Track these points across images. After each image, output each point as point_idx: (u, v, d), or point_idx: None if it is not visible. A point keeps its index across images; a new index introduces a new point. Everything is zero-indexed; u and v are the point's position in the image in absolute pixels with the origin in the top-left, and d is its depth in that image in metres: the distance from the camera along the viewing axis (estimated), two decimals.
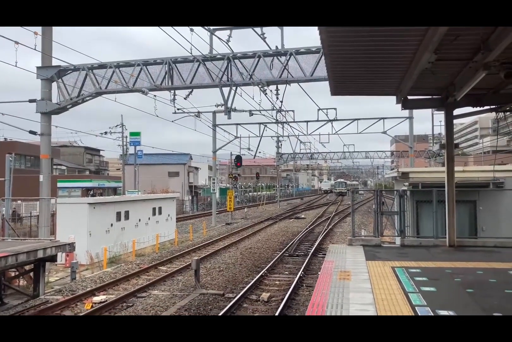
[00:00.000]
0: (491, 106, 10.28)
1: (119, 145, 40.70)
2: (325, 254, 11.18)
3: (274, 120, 28.01)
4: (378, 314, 5.28)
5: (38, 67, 18.15)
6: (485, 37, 6.60)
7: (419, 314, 5.23)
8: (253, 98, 18.38)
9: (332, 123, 32.74)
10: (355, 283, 6.93)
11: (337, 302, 5.83)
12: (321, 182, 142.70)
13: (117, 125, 40.00)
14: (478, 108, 10.29)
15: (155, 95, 18.11)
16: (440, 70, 8.29)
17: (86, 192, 44.46)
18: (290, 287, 11.96)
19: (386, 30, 6.38)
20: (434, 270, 7.80)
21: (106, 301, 11.08)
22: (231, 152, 44.86)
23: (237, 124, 34.86)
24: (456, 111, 10.54)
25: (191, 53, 15.24)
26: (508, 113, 10.58)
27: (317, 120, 31.77)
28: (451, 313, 5.27)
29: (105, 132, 39.02)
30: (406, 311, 5.38)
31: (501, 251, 9.72)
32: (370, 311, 5.43)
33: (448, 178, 10.31)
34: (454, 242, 10.26)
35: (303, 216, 37.67)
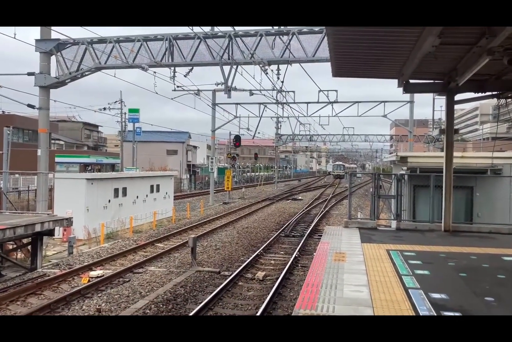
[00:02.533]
0: (493, 93, 10.22)
1: (117, 121, 40.52)
2: (321, 236, 11.27)
3: (274, 101, 27.85)
4: (372, 295, 5.38)
5: (37, 40, 17.91)
6: None
7: (412, 296, 5.33)
8: (253, 78, 18.26)
9: (332, 106, 32.56)
10: (350, 265, 7.02)
11: (332, 283, 5.92)
12: (319, 164, 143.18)
13: (116, 101, 39.73)
14: (479, 94, 10.23)
15: (154, 72, 17.94)
16: (443, 55, 8.21)
17: (84, 167, 44.46)
18: (285, 267, 12.10)
19: None
20: (429, 254, 7.90)
21: (103, 275, 11.21)
22: (230, 132, 44.79)
23: (237, 103, 34.62)
24: (458, 97, 10.49)
25: (192, 29, 15.02)
26: (509, 100, 10.54)
27: (318, 102, 31.56)
28: (443, 296, 5.36)
29: (104, 108, 38.77)
30: (399, 293, 5.47)
31: (495, 237, 9.83)
32: (364, 292, 5.52)
33: (446, 163, 10.33)
34: (449, 227, 10.35)
35: (300, 198, 37.83)
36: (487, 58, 7.36)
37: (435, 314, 4.69)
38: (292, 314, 4.84)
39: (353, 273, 6.50)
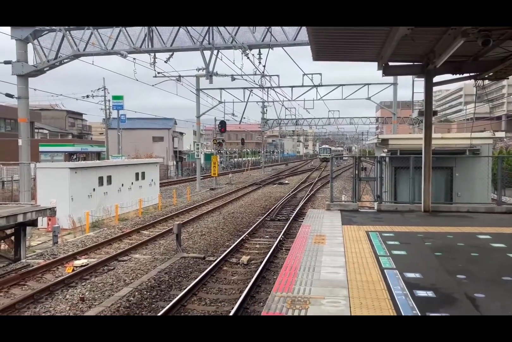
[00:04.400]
0: (470, 74, 10.30)
1: (101, 109, 40.03)
2: None
3: (257, 85, 27.70)
4: (348, 277, 5.48)
5: (12, 28, 17.49)
6: None
7: (387, 276, 5.44)
8: (233, 63, 18.08)
9: (317, 89, 32.51)
10: (329, 247, 7.13)
11: (310, 265, 6.02)
12: (306, 148, 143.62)
13: (99, 89, 39.20)
14: (457, 76, 10.32)
15: (134, 58, 17.70)
16: (420, 37, 8.25)
17: (69, 156, 44.05)
18: (269, 250, 12.21)
19: None
20: (407, 234, 8.04)
21: (88, 264, 11.23)
22: (215, 118, 44.48)
23: (221, 88, 34.38)
24: (436, 78, 10.56)
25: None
26: (486, 81, 10.62)
27: (302, 86, 31.44)
28: (417, 275, 5.49)
29: (87, 96, 38.23)
30: (375, 274, 5.58)
31: (473, 216, 10.02)
32: (341, 274, 5.62)
33: (425, 145, 10.44)
34: (429, 207, 10.52)
35: (286, 182, 37.98)
36: (462, 40, 7.42)
37: (408, 293, 4.80)
38: (269, 297, 4.92)
39: (332, 255, 6.60)
